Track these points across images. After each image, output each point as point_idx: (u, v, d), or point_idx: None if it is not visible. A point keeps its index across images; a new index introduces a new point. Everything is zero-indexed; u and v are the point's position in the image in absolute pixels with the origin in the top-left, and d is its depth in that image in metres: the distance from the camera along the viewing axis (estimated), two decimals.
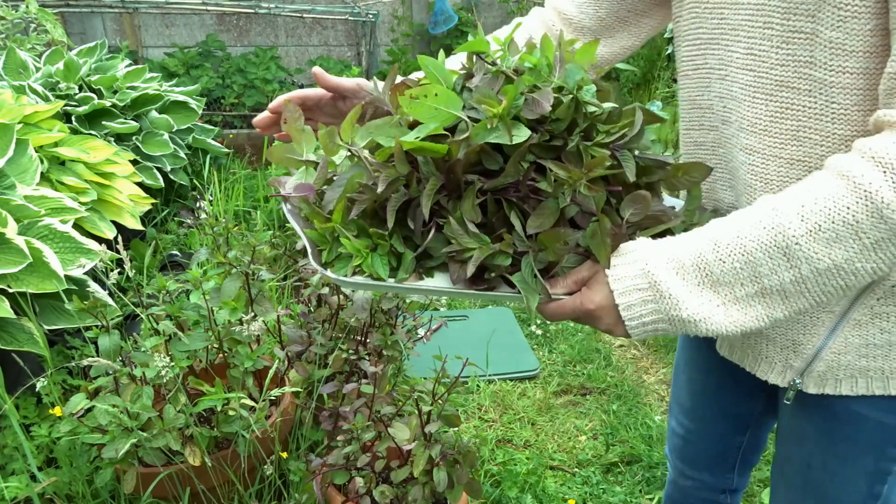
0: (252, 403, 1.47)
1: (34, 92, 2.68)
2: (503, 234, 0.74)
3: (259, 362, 1.58)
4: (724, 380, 1.09)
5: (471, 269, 0.72)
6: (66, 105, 2.74)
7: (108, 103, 2.90)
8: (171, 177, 3.13)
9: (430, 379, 1.38)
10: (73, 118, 2.74)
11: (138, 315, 1.72)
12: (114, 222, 2.38)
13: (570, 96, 0.72)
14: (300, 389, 1.70)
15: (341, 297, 1.70)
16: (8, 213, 1.76)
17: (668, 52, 4.71)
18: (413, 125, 0.76)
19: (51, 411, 1.58)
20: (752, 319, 0.70)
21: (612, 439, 2.19)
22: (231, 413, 1.47)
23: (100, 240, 2.19)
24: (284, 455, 1.62)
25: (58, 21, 3.70)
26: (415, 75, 0.91)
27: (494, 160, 0.74)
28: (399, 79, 0.85)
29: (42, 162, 2.17)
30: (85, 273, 1.86)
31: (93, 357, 1.40)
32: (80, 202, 2.16)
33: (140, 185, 2.72)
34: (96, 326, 1.50)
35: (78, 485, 1.52)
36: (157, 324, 1.53)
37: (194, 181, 3.44)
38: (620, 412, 2.32)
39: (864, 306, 0.78)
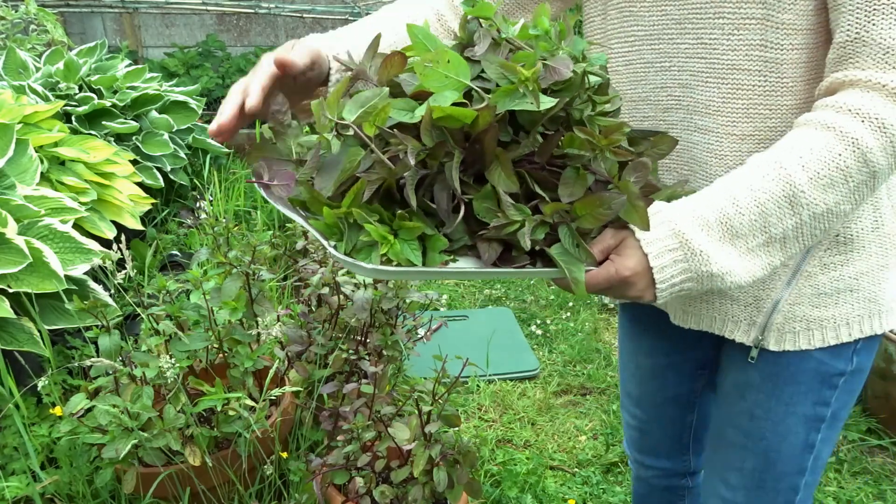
0: (252, 403, 1.47)
1: (34, 92, 2.68)
2: (538, 205, 0.71)
3: (259, 362, 1.58)
4: (670, 358, 1.14)
5: (527, 244, 0.68)
6: (66, 105, 2.74)
7: (108, 103, 2.90)
8: (171, 177, 3.13)
9: (430, 379, 1.38)
10: (73, 118, 2.74)
11: (138, 315, 1.72)
12: (114, 222, 2.38)
13: (582, 65, 0.71)
14: (300, 389, 1.70)
15: (341, 297, 1.71)
16: (8, 213, 1.76)
17: None
18: (415, 95, 0.70)
19: (51, 411, 1.59)
20: (759, 268, 0.74)
21: (612, 439, 2.19)
22: (231, 413, 1.47)
23: (101, 240, 2.19)
24: (284, 455, 1.62)
25: (58, 21, 3.71)
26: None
27: (506, 131, 0.71)
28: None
29: (42, 162, 2.17)
30: (85, 273, 1.86)
31: (93, 357, 1.40)
32: (80, 202, 2.16)
33: (140, 185, 2.72)
34: (96, 326, 1.50)
35: (78, 485, 1.52)
36: (158, 324, 1.53)
37: (194, 181, 3.44)
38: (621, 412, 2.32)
39: (814, 258, 0.86)
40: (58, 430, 1.46)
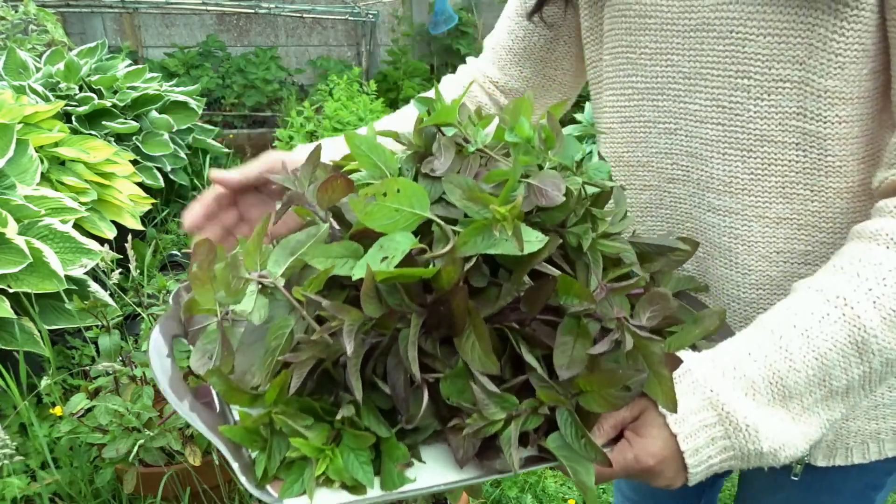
0: None
1: (34, 92, 2.68)
2: (529, 378, 0.53)
3: None
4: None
5: (514, 461, 0.50)
6: (66, 105, 2.74)
7: (108, 103, 2.90)
8: (171, 177, 3.13)
9: None
10: (73, 118, 2.75)
11: (138, 315, 1.72)
12: (114, 222, 2.38)
13: (579, 181, 0.57)
14: None
15: None
16: (8, 213, 1.76)
17: None
18: (359, 234, 0.53)
19: (51, 411, 1.59)
20: (816, 428, 0.58)
21: None
22: None
23: (101, 240, 2.20)
24: None
25: (58, 21, 3.71)
26: (410, 109, 0.76)
27: (481, 274, 0.54)
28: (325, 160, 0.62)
29: (42, 162, 2.18)
30: (85, 273, 1.86)
31: (93, 356, 1.40)
32: (80, 202, 2.16)
33: (140, 185, 2.73)
34: (96, 326, 1.50)
35: (79, 485, 1.52)
36: None
37: (194, 181, 3.44)
38: None
39: None
40: (58, 430, 1.46)
